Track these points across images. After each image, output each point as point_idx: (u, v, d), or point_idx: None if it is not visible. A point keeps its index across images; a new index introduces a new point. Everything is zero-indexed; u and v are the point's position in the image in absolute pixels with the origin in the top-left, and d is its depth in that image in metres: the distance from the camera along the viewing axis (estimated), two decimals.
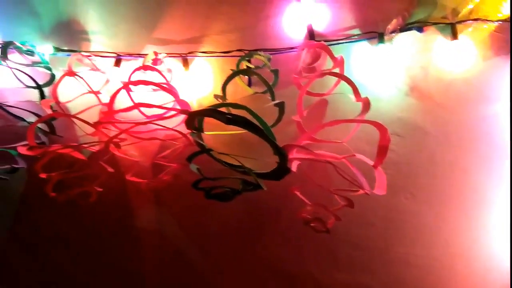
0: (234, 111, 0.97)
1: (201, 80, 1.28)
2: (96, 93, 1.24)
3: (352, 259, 1.39)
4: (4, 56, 1.23)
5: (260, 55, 1.16)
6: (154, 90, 1.28)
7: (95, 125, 1.11)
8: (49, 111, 1.13)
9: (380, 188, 0.95)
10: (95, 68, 1.29)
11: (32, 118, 1.26)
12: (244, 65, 1.19)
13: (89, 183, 1.26)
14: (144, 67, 1.15)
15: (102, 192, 1.28)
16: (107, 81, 1.27)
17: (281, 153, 0.94)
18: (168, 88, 1.10)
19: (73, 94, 1.28)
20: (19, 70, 1.20)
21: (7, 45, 1.22)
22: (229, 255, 1.45)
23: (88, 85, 1.18)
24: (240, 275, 1.46)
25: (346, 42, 1.22)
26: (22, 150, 1.13)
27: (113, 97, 1.10)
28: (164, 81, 1.18)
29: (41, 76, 1.30)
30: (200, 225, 1.43)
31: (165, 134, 1.28)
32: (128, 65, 1.30)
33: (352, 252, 1.38)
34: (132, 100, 1.16)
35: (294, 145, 1.06)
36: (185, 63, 1.27)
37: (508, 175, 1.28)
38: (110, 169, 1.22)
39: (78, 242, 1.47)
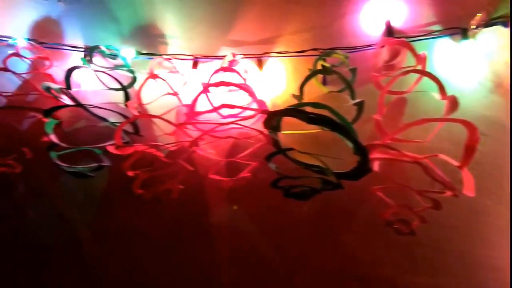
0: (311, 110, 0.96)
1: (274, 80, 1.28)
2: (175, 94, 1.30)
3: (432, 262, 1.35)
4: (89, 59, 1.30)
5: (338, 53, 1.15)
6: (231, 90, 1.29)
7: (179, 126, 1.14)
8: (136, 112, 1.18)
9: (468, 189, 0.91)
10: (174, 71, 1.32)
11: (113, 119, 1.31)
12: (319, 64, 1.18)
13: (171, 180, 1.30)
14: (224, 69, 1.17)
15: (179, 190, 1.32)
16: (185, 82, 1.29)
17: (364, 152, 0.93)
18: (247, 89, 1.11)
19: (151, 96, 1.33)
20: (105, 73, 1.28)
21: (93, 49, 1.29)
22: (303, 255, 1.45)
23: (171, 87, 1.22)
24: (314, 275, 1.46)
25: (427, 39, 1.19)
26: (111, 149, 1.17)
27: (195, 99, 1.13)
28: (242, 82, 1.18)
29: (121, 78, 1.35)
30: (274, 223, 1.44)
31: (238, 132, 1.29)
32: (205, 66, 1.31)
33: (433, 255, 1.33)
34: (210, 101, 1.20)
35: (377, 145, 1.04)
36: (260, 63, 1.29)
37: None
38: (189, 168, 1.25)
39: (155, 237, 1.52)
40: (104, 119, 1.34)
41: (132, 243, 1.50)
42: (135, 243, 1.50)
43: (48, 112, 1.18)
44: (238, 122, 1.09)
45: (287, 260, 1.46)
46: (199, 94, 1.11)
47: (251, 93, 1.12)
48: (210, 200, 1.43)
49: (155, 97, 1.31)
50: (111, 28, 1.39)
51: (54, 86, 1.21)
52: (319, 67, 1.18)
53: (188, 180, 1.32)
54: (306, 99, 1.18)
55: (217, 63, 1.32)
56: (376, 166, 1.07)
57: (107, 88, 1.37)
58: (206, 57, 1.31)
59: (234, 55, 1.21)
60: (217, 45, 1.33)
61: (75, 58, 1.42)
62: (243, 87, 1.11)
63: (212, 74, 1.18)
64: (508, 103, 1.18)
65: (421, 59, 1.08)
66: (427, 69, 1.07)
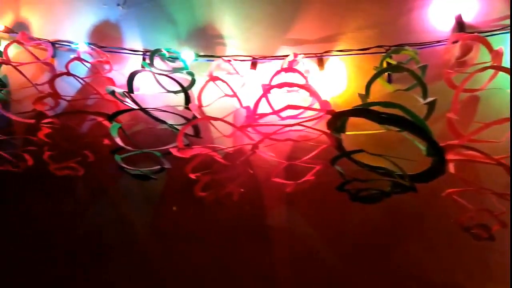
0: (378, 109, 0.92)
1: (335, 79, 1.24)
2: (234, 96, 1.29)
3: (508, 270, 1.26)
4: (151, 63, 1.30)
5: (407, 50, 1.10)
6: (290, 91, 1.27)
7: (241, 128, 1.12)
8: (198, 115, 1.17)
9: None
10: (232, 72, 1.31)
11: (171, 121, 1.32)
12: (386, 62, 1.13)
13: (231, 183, 1.29)
14: (286, 69, 1.15)
15: (239, 192, 1.32)
16: (244, 84, 1.28)
17: (440, 153, 0.88)
18: (310, 89, 1.08)
19: (208, 98, 1.33)
20: (167, 76, 1.28)
21: (154, 52, 1.29)
22: (365, 258, 1.41)
23: (232, 89, 1.21)
24: (377, 280, 1.41)
25: (501, 33, 1.11)
26: (174, 151, 1.17)
27: (258, 100, 1.11)
28: (304, 82, 1.15)
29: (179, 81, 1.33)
30: (334, 226, 1.41)
31: (297, 135, 1.27)
32: (264, 67, 1.29)
33: (508, 262, 1.25)
34: (269, 103, 1.19)
35: (454, 145, 0.98)
36: (320, 62, 1.25)
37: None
38: (249, 170, 1.24)
39: (212, 238, 1.52)
40: (163, 122, 1.34)
41: (191, 244, 1.51)
42: (193, 244, 1.50)
43: (113, 116, 1.18)
44: (303, 124, 1.05)
45: (348, 265, 1.42)
46: (261, 96, 1.09)
47: (315, 94, 1.08)
48: (268, 203, 1.40)
49: (213, 99, 1.31)
50: (169, 31, 1.40)
51: (118, 89, 1.21)
52: (385, 65, 1.12)
53: (246, 183, 1.28)
54: (370, 99, 1.14)
55: (276, 64, 1.31)
56: (451, 167, 1.01)
57: (166, 91, 1.36)
58: (265, 57, 1.29)
59: (295, 55, 1.17)
60: (275, 45, 1.31)
61: (134, 61, 1.42)
62: (307, 88, 1.08)
63: (274, 75, 1.15)
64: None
65: (498, 55, 1.01)
66: (503, 65, 0.99)
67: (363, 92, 1.14)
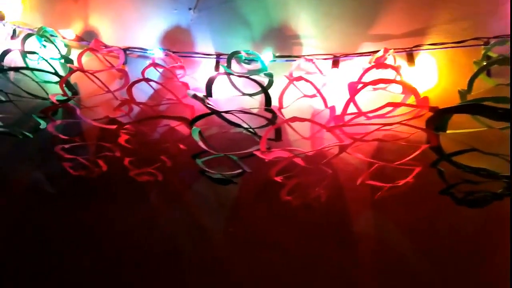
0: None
1: (426, 74, 1.16)
2: (313, 96, 1.26)
3: None
4: (228, 65, 1.26)
5: None
6: (375, 89, 1.20)
7: (330, 128, 1.06)
8: (282, 117, 1.15)
9: None
10: (312, 72, 1.25)
11: (245, 125, 1.29)
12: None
13: (316, 186, 1.25)
14: (378, 65, 1.07)
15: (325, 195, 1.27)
16: (325, 83, 1.22)
17: None
18: (407, 86, 1.00)
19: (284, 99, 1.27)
20: (249, 78, 1.26)
21: (232, 55, 1.25)
22: (460, 268, 1.30)
23: (317, 89, 1.16)
24: None
25: None
26: (258, 153, 1.12)
27: (349, 100, 1.05)
28: (398, 78, 1.08)
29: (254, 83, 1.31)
30: (427, 232, 1.32)
31: (383, 134, 1.19)
32: (346, 65, 1.23)
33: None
34: (355, 102, 1.11)
35: None
36: (410, 58, 1.17)
37: None
38: (329, 171, 1.18)
39: (291, 246, 1.46)
40: (238, 126, 1.29)
41: (268, 251, 1.46)
42: (270, 250, 1.45)
43: (195, 120, 1.15)
44: (405, 123, 0.97)
45: (441, 273, 1.31)
46: (354, 94, 1.02)
47: (413, 90, 1.00)
48: (353, 207, 1.33)
49: (289, 100, 1.27)
50: (242, 33, 1.36)
51: (199, 94, 1.18)
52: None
53: (329, 186, 1.22)
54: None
55: (359, 61, 1.27)
56: None
57: (242, 94, 1.33)
58: (347, 55, 1.22)
59: (386, 50, 1.10)
60: (357, 42, 1.25)
61: (206, 65, 1.39)
62: (404, 84, 1.01)
63: (365, 72, 1.09)
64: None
65: None
66: None
67: (460, 88, 1.06)
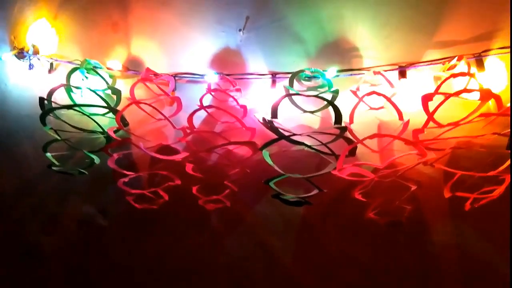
0: None
1: (496, 78, 1.14)
2: (380, 108, 1.29)
3: None
4: (291, 84, 1.23)
5: None
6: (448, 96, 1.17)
7: (415, 143, 1.03)
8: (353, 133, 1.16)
9: None
10: (376, 84, 1.22)
11: (307, 142, 1.25)
12: None
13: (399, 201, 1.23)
14: (455, 75, 1.05)
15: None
16: (394, 94, 1.19)
17: None
18: (490, 93, 0.98)
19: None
20: (316, 96, 1.23)
21: (295, 74, 1.22)
22: None
23: (391, 102, 1.15)
24: None
25: None
26: (335, 172, 1.10)
27: (434, 111, 1.02)
28: (475, 85, 1.05)
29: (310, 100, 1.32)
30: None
31: (456, 142, 1.17)
32: (412, 74, 1.20)
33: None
34: (428, 111, 1.07)
35: None
36: (479, 63, 1.13)
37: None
38: (413, 186, 1.15)
39: (367, 262, 1.43)
40: (301, 144, 1.26)
41: (343, 269, 1.40)
42: (344, 269, 1.40)
43: (266, 145, 1.11)
44: (497, 133, 0.95)
45: None
46: (438, 106, 1.00)
47: (496, 97, 0.98)
48: (430, 218, 1.30)
49: (356, 113, 1.25)
50: (296, 50, 1.34)
51: (267, 117, 1.14)
52: None
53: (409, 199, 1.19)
54: None
55: (426, 69, 1.26)
56: None
57: (303, 111, 1.32)
58: (412, 64, 1.19)
59: (460, 57, 1.07)
60: (420, 50, 1.23)
61: (258, 85, 1.36)
62: (487, 92, 0.99)
63: (442, 83, 1.06)
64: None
65: None
66: None
67: None
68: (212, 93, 1.36)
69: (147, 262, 1.59)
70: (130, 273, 1.62)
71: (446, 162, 1.22)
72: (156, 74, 1.38)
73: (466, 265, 1.31)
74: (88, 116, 1.36)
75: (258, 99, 1.37)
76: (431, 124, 1.05)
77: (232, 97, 1.29)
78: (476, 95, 1.07)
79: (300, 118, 1.34)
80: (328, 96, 1.23)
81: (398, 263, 1.36)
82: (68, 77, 1.40)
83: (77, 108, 1.33)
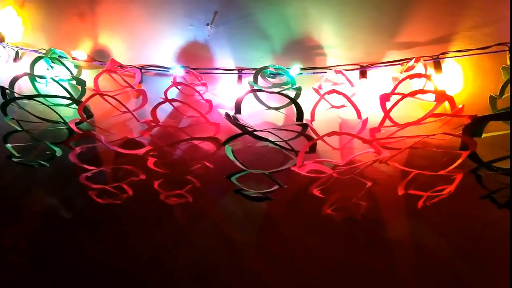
0: None
1: (452, 81, 1.17)
2: (341, 107, 1.27)
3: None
4: (255, 80, 1.24)
5: None
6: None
7: (370, 141, 1.06)
8: (315, 130, 1.17)
9: None
10: (338, 83, 1.24)
11: (272, 138, 1.25)
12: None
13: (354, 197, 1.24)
14: (413, 76, 1.08)
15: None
16: (354, 94, 1.21)
17: None
18: (444, 95, 1.01)
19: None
20: (278, 93, 1.21)
21: (260, 70, 1.23)
22: (502, 274, 1.31)
23: (351, 101, 1.17)
24: None
25: None
26: (295, 168, 1.11)
27: (389, 110, 1.04)
28: (431, 85, 1.08)
29: (277, 98, 1.32)
30: (468, 234, 1.33)
31: (414, 142, 1.19)
32: (373, 74, 1.23)
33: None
34: (386, 111, 1.10)
35: None
36: (437, 65, 1.17)
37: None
38: (368, 182, 1.17)
39: (326, 256, 1.44)
40: (266, 140, 1.27)
41: (302, 262, 1.43)
42: (304, 261, 1.42)
43: (228, 141, 1.11)
44: (447, 132, 0.99)
45: (482, 276, 1.32)
46: (391, 108, 1.03)
47: (450, 99, 1.01)
48: (387, 215, 1.33)
49: (318, 112, 1.25)
50: (263, 46, 1.34)
51: (230, 112, 1.14)
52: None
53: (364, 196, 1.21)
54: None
55: (386, 70, 1.27)
56: None
57: (268, 108, 1.32)
58: (373, 64, 1.21)
59: (417, 59, 1.10)
60: (382, 51, 1.25)
61: (226, 80, 1.36)
62: (440, 93, 1.01)
63: (398, 84, 1.09)
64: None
65: None
66: None
67: (485, 92, 1.13)
68: (179, 87, 1.34)
69: (111, 255, 1.56)
70: (94, 266, 1.59)
71: (404, 161, 1.23)
72: (121, 66, 1.36)
73: (421, 261, 1.33)
74: (48, 106, 1.32)
75: (225, 94, 1.35)
76: (390, 124, 1.06)
77: (197, 91, 1.27)
78: (432, 97, 1.09)
79: (265, 114, 1.34)
80: (292, 94, 1.22)
81: (357, 259, 1.38)
82: (32, 66, 1.37)
83: (39, 99, 1.29)
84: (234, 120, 1.13)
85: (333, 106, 1.24)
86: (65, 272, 1.63)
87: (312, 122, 1.21)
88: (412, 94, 1.03)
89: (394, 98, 1.06)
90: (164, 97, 1.24)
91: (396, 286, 1.38)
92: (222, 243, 1.48)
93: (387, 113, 1.02)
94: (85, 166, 1.25)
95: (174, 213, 1.50)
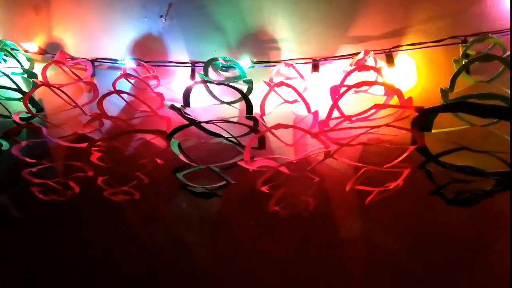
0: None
1: (405, 74, 1.14)
2: (294, 102, 1.22)
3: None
4: (206, 73, 1.19)
5: (492, 38, 0.99)
6: (357, 91, 1.16)
7: (316, 134, 1.01)
8: (264, 124, 1.09)
9: None
10: (291, 77, 1.20)
11: (225, 134, 1.22)
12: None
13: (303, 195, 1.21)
14: (360, 68, 1.04)
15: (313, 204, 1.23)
16: (306, 88, 1.17)
17: None
18: (391, 87, 0.97)
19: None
20: (227, 85, 1.18)
21: (209, 62, 1.18)
22: (453, 267, 1.27)
23: (300, 95, 1.10)
24: None
25: None
26: (242, 164, 1.06)
27: (334, 104, 1.00)
28: (380, 79, 1.04)
29: (231, 91, 1.25)
30: (416, 233, 1.28)
31: (367, 138, 1.15)
32: (326, 69, 1.18)
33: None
34: (337, 105, 1.08)
35: None
36: (389, 59, 1.13)
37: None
38: (316, 178, 1.13)
39: (279, 255, 1.39)
40: (218, 135, 1.22)
41: (255, 262, 1.37)
42: (257, 261, 1.36)
43: (173, 133, 1.06)
44: (392, 124, 0.93)
45: (433, 273, 1.28)
46: (338, 98, 0.98)
47: (397, 91, 0.97)
48: (339, 213, 1.27)
49: (270, 107, 1.21)
50: (217, 40, 1.30)
51: (177, 104, 1.09)
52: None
53: (316, 193, 1.17)
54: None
55: (338, 64, 1.24)
56: None
57: (221, 102, 1.25)
58: (327, 58, 1.17)
59: (367, 52, 1.06)
60: (335, 45, 1.22)
61: (180, 74, 1.31)
62: (388, 86, 0.97)
63: (347, 75, 1.04)
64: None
65: None
66: None
67: (439, 86, 1.05)
68: (131, 80, 1.29)
69: (60, 256, 1.48)
70: (44, 267, 1.52)
71: (357, 158, 1.19)
72: (72, 58, 1.30)
73: (373, 260, 1.29)
74: None
75: (178, 88, 1.30)
76: (339, 117, 1.02)
77: (148, 84, 1.22)
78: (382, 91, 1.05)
79: (219, 109, 1.29)
80: (244, 87, 1.18)
81: (308, 258, 1.33)
82: None
83: None
84: (180, 112, 1.07)
85: (286, 101, 1.18)
86: (12, 275, 1.55)
87: (264, 117, 1.15)
88: (358, 85, 0.98)
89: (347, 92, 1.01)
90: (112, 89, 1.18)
91: (348, 285, 1.31)
92: (173, 243, 1.41)
93: (335, 103, 0.97)
94: (27, 159, 1.18)
95: (126, 212, 1.42)
